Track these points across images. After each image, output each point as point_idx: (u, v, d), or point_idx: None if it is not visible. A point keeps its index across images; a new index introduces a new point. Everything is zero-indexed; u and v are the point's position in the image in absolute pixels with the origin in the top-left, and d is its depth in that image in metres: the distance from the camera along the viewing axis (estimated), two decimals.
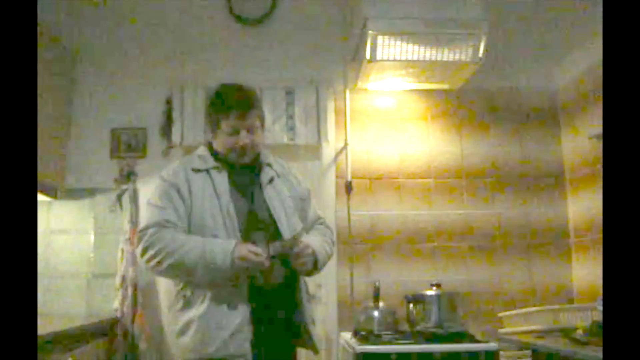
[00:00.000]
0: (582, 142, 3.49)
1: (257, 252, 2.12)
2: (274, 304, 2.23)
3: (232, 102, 2.31)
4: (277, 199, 2.35)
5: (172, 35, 3.74)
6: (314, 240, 2.34)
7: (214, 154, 2.37)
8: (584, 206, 3.51)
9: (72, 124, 3.58)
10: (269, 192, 2.35)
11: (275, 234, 2.26)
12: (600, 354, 2.12)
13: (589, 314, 2.85)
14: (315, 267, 2.28)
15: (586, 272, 3.50)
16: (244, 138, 2.30)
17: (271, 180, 2.39)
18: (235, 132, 2.29)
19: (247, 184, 2.35)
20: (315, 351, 2.33)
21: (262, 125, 2.42)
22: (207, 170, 2.31)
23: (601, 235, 3.30)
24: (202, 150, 2.41)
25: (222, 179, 2.30)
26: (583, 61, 3.51)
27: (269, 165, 2.44)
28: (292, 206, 2.39)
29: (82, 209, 3.51)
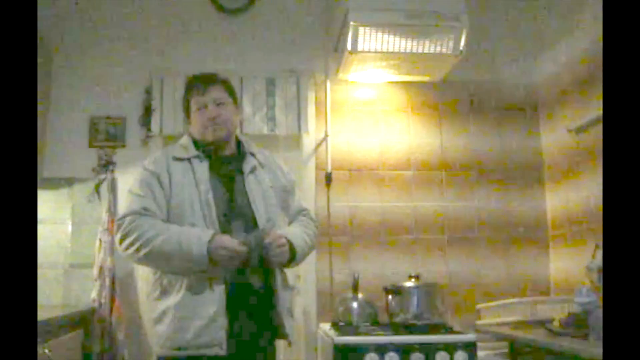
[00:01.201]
0: (561, 135, 3.51)
1: (234, 243, 2.12)
2: (249, 294, 2.23)
3: (196, 80, 2.41)
4: (257, 189, 2.35)
5: (152, 24, 3.70)
6: (293, 232, 2.35)
7: (196, 144, 2.37)
8: (563, 199, 3.54)
9: (50, 112, 3.53)
10: (250, 182, 2.35)
11: (254, 223, 2.27)
12: (575, 345, 2.15)
13: (566, 306, 2.88)
14: (293, 258, 2.29)
15: (563, 264, 3.53)
16: (211, 111, 2.33)
17: (253, 170, 2.40)
18: (204, 106, 2.34)
19: (228, 174, 2.36)
20: (289, 342, 2.33)
21: (235, 103, 2.47)
22: (189, 160, 2.33)
23: (578, 228, 3.33)
24: (185, 140, 2.43)
25: (202, 168, 2.31)
26: (563, 55, 3.53)
27: (252, 154, 2.45)
28: (274, 196, 2.39)
29: (60, 198, 3.47)
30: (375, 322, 3.11)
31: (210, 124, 2.33)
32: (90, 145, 3.54)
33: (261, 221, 2.27)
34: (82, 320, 3.07)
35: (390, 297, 3.09)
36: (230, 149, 2.43)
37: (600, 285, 2.36)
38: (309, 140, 3.66)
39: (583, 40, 3.26)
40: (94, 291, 3.21)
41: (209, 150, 2.36)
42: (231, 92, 2.45)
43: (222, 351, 2.11)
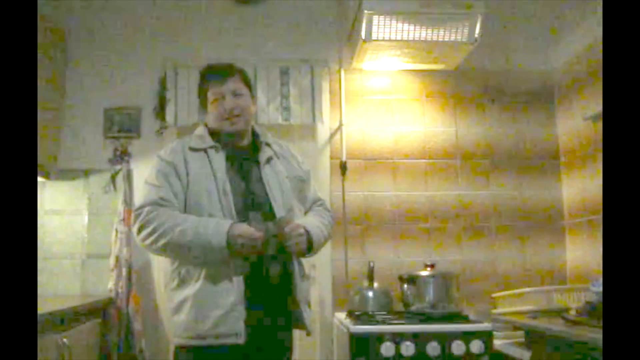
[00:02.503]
0: (577, 123, 3.49)
1: (252, 232, 2.12)
2: (267, 284, 2.23)
3: (214, 71, 2.41)
4: (274, 178, 2.35)
5: (166, 14, 3.70)
6: (309, 221, 2.35)
7: (212, 134, 2.37)
8: (579, 188, 3.52)
9: (65, 104, 3.55)
10: (266, 172, 2.35)
11: (271, 213, 2.26)
12: (592, 334, 2.14)
13: (582, 295, 2.87)
14: (310, 247, 2.28)
15: (579, 253, 3.52)
16: (229, 102, 2.33)
17: (269, 160, 2.39)
18: (221, 97, 2.33)
19: (244, 164, 2.36)
20: (308, 332, 2.34)
21: (251, 94, 2.46)
22: (205, 150, 2.33)
23: (595, 217, 3.31)
24: (201, 130, 2.42)
25: (219, 158, 2.30)
26: (579, 42, 3.50)
27: (268, 145, 2.45)
28: (290, 186, 2.39)
29: (76, 189, 3.49)
30: (391, 311, 3.11)
31: (228, 115, 2.33)
32: (105, 137, 3.55)
33: (279, 211, 2.27)
34: (100, 310, 3.10)
35: (405, 286, 3.09)
36: (246, 140, 2.43)
37: None
38: (324, 129, 3.66)
39: (599, 27, 3.23)
40: (110, 281, 3.23)
41: (225, 140, 2.36)
42: (247, 82, 2.45)
43: (240, 340, 2.12)
